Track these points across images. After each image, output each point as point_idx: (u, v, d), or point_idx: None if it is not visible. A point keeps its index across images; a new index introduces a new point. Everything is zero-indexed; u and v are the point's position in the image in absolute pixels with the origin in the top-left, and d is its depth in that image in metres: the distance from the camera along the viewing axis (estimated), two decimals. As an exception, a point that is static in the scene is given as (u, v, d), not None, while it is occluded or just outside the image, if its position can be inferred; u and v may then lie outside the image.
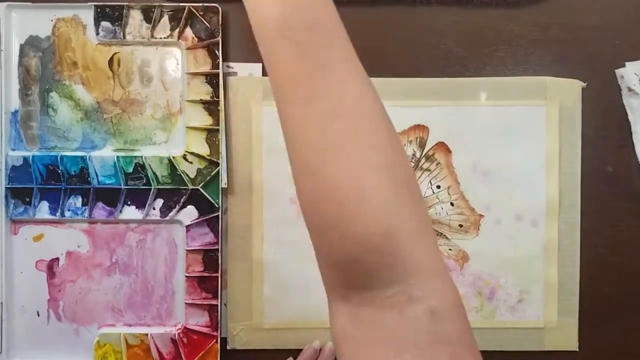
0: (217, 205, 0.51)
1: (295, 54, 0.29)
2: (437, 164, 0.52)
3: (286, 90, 0.29)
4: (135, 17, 0.51)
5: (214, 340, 0.51)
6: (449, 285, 0.28)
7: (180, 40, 0.51)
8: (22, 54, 0.51)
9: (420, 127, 0.51)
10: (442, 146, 0.52)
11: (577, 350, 0.52)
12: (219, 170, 0.50)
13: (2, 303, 0.51)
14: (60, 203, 0.51)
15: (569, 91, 0.52)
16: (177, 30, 0.51)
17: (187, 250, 0.51)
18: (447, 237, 0.52)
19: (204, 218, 0.51)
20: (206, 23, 0.50)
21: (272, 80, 0.30)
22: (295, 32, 0.29)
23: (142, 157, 0.51)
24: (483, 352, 0.53)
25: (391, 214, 0.27)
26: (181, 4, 0.50)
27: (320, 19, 0.30)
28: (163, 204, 0.51)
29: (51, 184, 0.51)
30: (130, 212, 0.51)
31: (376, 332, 0.28)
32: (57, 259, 0.52)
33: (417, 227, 0.28)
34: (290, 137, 0.30)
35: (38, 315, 0.52)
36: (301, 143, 0.29)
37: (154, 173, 0.51)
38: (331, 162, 0.28)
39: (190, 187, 0.51)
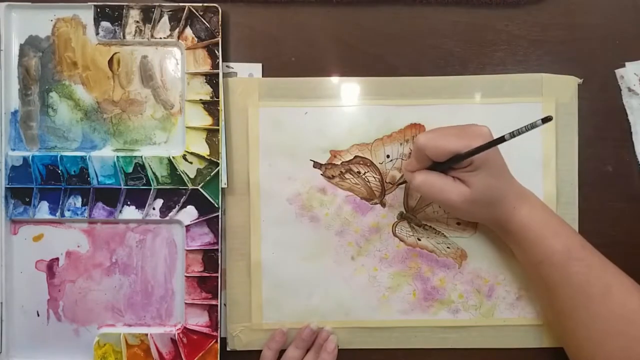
0: (217, 205, 0.51)
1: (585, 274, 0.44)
2: (436, 163, 0.52)
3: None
4: (135, 17, 0.51)
5: (214, 340, 0.51)
6: None
7: (180, 40, 0.51)
8: (22, 54, 0.51)
9: (417, 126, 0.51)
10: (440, 146, 0.52)
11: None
12: (218, 170, 0.50)
13: (2, 303, 0.51)
14: (60, 203, 0.51)
15: (564, 87, 0.52)
16: (177, 30, 0.51)
17: (187, 250, 0.51)
18: (445, 235, 0.52)
19: (204, 218, 0.51)
20: (206, 23, 0.50)
21: (562, 293, 0.44)
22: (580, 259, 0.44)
23: (142, 157, 0.51)
24: (483, 350, 0.53)
25: None
26: (181, 4, 0.50)
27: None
28: (163, 204, 0.51)
29: (51, 184, 0.51)
30: (130, 212, 0.51)
31: None
32: (57, 259, 0.52)
33: None
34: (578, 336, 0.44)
35: (38, 315, 0.52)
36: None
37: (154, 173, 0.51)
38: None
39: (190, 187, 0.51)
